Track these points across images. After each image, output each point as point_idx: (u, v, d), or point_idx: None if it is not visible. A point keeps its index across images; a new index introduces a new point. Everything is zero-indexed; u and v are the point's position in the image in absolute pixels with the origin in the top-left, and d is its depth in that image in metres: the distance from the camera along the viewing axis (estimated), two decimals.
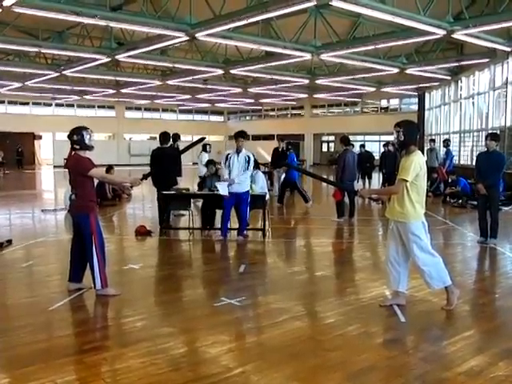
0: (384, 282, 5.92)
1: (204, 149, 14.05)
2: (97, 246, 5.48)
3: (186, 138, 23.66)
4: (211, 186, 9.80)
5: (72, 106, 39.12)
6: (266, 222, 9.45)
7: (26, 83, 25.74)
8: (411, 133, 5.06)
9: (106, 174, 5.57)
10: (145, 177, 5.65)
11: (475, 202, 13.29)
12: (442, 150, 17.51)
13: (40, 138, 40.35)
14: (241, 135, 8.92)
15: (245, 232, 9.18)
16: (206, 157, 13.39)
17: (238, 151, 8.90)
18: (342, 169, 11.09)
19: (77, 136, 5.48)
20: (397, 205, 5.01)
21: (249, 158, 8.93)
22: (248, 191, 9.04)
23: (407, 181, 4.88)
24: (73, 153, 5.60)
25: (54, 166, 36.70)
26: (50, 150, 39.24)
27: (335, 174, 11.68)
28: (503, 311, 5.38)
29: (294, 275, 6.90)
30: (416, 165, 4.89)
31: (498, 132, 13.06)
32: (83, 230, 5.54)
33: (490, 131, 16.31)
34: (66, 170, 5.75)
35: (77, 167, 5.52)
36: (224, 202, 8.88)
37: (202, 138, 10.47)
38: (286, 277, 6.86)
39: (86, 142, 5.52)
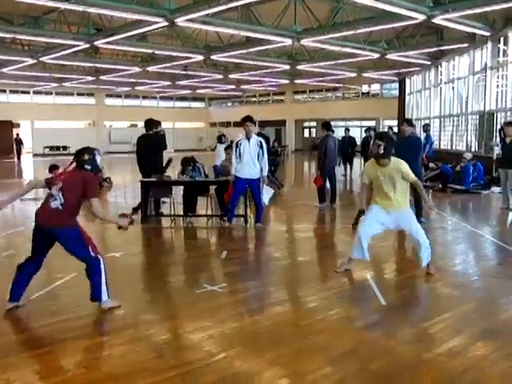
0: (366, 266, 5.99)
1: (220, 140, 14.18)
2: (100, 256, 4.86)
3: (167, 125, 23.47)
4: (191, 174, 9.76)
5: (51, 93, 38.54)
6: (248, 209, 9.45)
7: (2, 70, 25.27)
8: (390, 147, 5.66)
9: (101, 211, 4.96)
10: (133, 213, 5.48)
11: (457, 186, 13.51)
12: (422, 135, 17.62)
13: (18, 126, 39.64)
14: (249, 119, 8.66)
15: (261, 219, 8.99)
16: (222, 148, 13.19)
17: (249, 137, 8.66)
18: (323, 154, 11.12)
19: (88, 155, 4.97)
20: (399, 198, 5.70)
21: (261, 142, 8.68)
22: (259, 178, 8.76)
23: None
24: (74, 166, 4.99)
25: (34, 155, 36.23)
26: (28, 139, 38.68)
27: (317, 159, 11.69)
28: (481, 292, 5.47)
29: (276, 261, 6.92)
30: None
31: (479, 117, 13.10)
32: (72, 244, 4.82)
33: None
34: (60, 183, 4.77)
35: (86, 186, 4.81)
36: (235, 188, 8.71)
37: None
38: (267, 262, 6.90)
39: (98, 163, 5.10)
